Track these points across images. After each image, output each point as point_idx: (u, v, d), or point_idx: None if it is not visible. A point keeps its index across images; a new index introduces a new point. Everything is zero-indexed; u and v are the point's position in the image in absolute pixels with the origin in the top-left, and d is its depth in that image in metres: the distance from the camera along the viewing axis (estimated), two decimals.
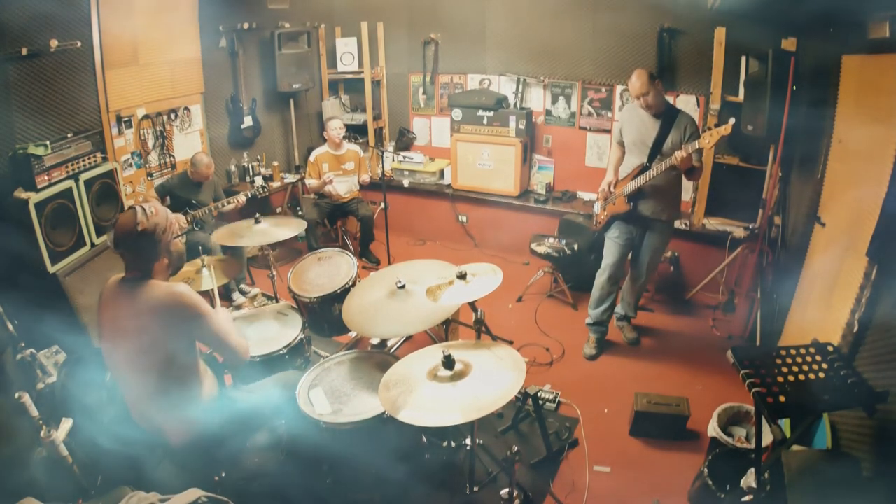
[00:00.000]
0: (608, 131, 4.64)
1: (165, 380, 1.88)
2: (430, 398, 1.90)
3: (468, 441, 2.52)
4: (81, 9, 3.48)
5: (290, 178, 5.37)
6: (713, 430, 2.58)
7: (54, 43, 3.25)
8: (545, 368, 3.51)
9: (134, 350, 1.86)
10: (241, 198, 4.10)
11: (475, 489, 2.50)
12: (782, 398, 1.72)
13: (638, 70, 3.07)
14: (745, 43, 3.73)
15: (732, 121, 2.73)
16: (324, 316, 2.95)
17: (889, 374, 1.92)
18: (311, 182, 4.75)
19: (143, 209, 1.87)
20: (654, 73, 3.07)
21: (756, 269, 3.63)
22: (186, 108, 4.53)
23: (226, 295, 4.26)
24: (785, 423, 2.38)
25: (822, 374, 1.80)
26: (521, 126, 4.72)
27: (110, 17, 3.67)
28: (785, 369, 1.82)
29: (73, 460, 2.27)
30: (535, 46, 4.74)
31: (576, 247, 4.11)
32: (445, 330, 3.21)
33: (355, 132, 5.52)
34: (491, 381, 1.93)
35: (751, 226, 3.84)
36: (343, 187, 4.79)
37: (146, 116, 4.16)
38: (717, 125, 2.85)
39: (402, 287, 2.54)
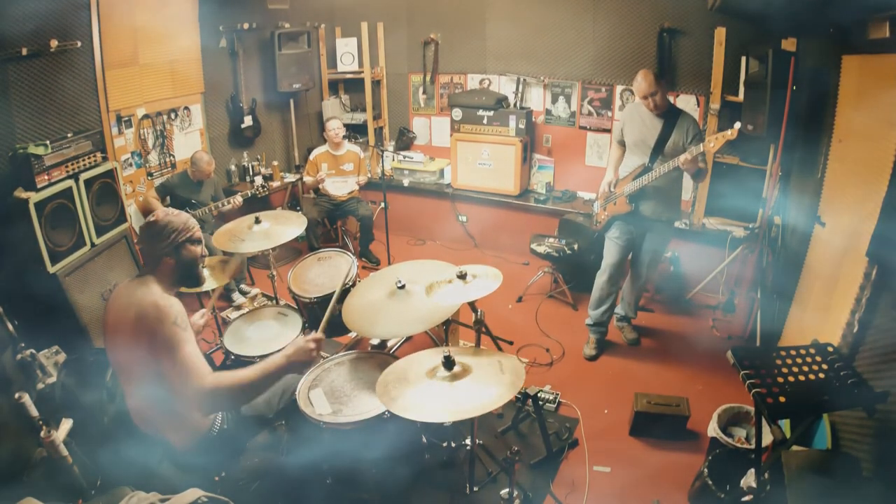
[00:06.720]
0: (608, 131, 4.64)
1: (162, 388, 1.81)
2: (426, 393, 1.90)
3: (468, 441, 2.52)
4: (81, 9, 3.49)
5: (290, 177, 5.37)
6: (713, 430, 2.58)
7: (54, 43, 3.25)
8: (545, 369, 3.50)
9: (126, 359, 1.83)
10: (238, 199, 4.11)
11: (475, 489, 2.50)
12: (782, 398, 1.72)
13: (643, 70, 3.07)
14: (745, 43, 3.73)
15: (738, 125, 2.73)
16: (324, 316, 2.94)
17: (889, 374, 1.92)
18: (307, 179, 4.81)
19: (168, 210, 1.93)
20: (657, 73, 3.08)
21: (756, 269, 3.63)
22: (186, 108, 4.53)
23: (226, 295, 4.26)
24: (785, 424, 2.38)
25: (822, 375, 1.80)
26: (521, 126, 4.72)
27: (110, 17, 3.68)
28: (785, 369, 1.82)
29: (73, 460, 2.27)
30: (536, 46, 4.74)
31: (576, 247, 4.11)
32: (445, 330, 3.20)
33: (355, 132, 5.52)
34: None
35: (751, 226, 3.84)
36: (341, 189, 4.80)
37: (146, 116, 4.16)
38: (718, 126, 2.85)
39: (402, 287, 2.53)
